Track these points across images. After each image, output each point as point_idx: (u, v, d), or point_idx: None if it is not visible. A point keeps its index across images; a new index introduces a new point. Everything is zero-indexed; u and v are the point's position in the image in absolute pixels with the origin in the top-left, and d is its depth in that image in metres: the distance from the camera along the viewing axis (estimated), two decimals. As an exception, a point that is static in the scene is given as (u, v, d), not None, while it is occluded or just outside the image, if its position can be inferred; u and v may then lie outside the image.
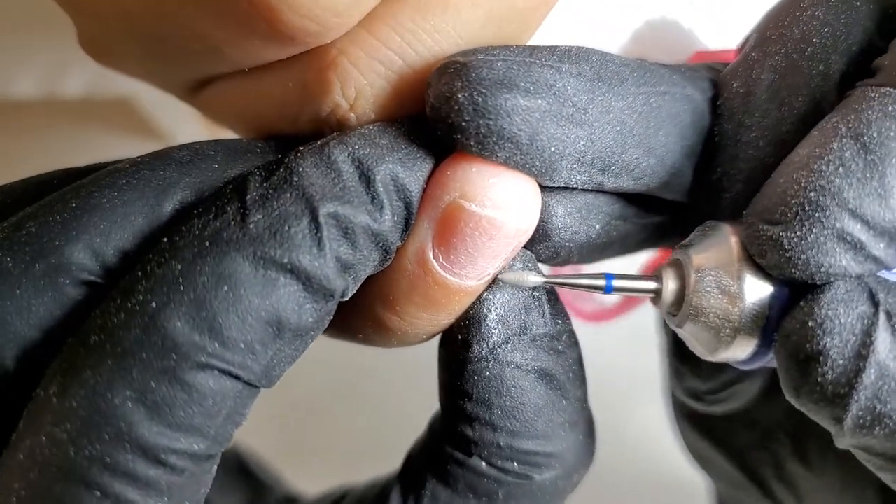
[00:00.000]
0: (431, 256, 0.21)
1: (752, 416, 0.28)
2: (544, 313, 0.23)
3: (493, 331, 0.22)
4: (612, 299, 0.41)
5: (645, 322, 0.36)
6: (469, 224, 0.21)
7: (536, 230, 0.22)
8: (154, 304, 0.18)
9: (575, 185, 0.22)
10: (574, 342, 0.24)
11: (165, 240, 0.19)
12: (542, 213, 0.22)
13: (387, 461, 0.26)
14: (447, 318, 0.23)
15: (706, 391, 0.27)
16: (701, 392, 0.28)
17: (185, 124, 0.47)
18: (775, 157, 0.22)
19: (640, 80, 0.22)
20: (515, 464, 0.22)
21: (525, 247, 0.23)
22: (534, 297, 0.23)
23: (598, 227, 0.23)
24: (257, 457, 0.31)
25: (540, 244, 0.23)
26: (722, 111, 0.24)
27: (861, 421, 0.19)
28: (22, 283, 0.19)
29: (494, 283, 0.22)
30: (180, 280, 0.18)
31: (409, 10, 0.20)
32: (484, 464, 0.22)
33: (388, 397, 0.49)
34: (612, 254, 0.25)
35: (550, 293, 0.23)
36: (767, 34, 0.23)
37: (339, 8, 0.19)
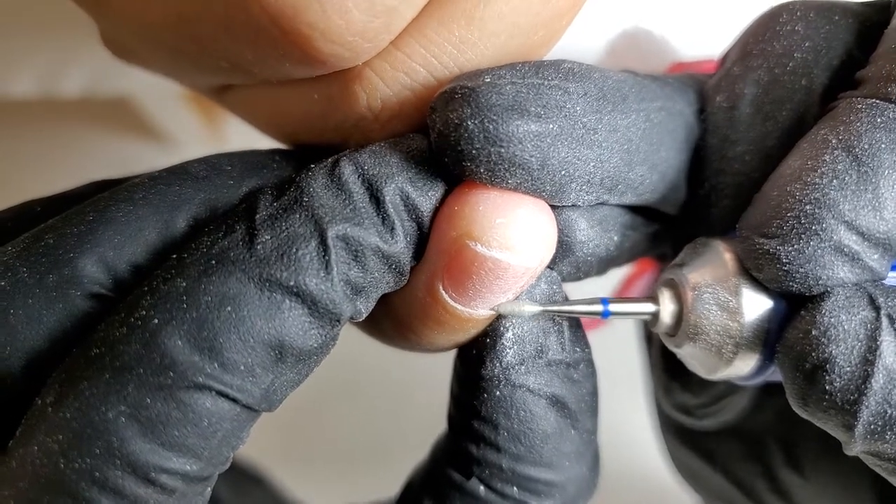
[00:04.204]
0: (441, 288, 0.21)
1: (741, 428, 0.27)
2: (563, 339, 0.22)
3: (507, 350, 0.22)
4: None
5: (625, 326, 0.36)
6: (475, 263, 0.20)
7: (559, 247, 0.22)
8: (156, 321, 0.18)
9: (580, 205, 0.22)
10: (591, 372, 0.23)
11: (174, 256, 0.19)
12: (566, 229, 0.22)
13: (384, 466, 0.26)
14: (463, 337, 0.22)
15: (697, 405, 0.27)
16: (691, 406, 0.27)
17: (185, 124, 0.47)
18: (761, 172, 0.22)
19: (640, 96, 0.22)
20: (515, 489, 0.22)
21: (548, 265, 0.22)
22: (553, 321, 0.22)
23: (616, 238, 0.23)
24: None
25: (563, 261, 0.22)
26: (707, 125, 0.24)
27: (872, 427, 0.19)
28: (35, 293, 0.19)
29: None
30: (184, 298, 0.18)
31: (433, 23, 0.20)
32: (482, 487, 0.22)
33: (386, 401, 0.48)
34: (619, 264, 0.25)
35: (572, 320, 0.23)
36: (748, 49, 0.23)
37: (369, 34, 0.19)
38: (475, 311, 0.21)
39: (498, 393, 0.21)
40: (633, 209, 0.24)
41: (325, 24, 0.18)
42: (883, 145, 0.19)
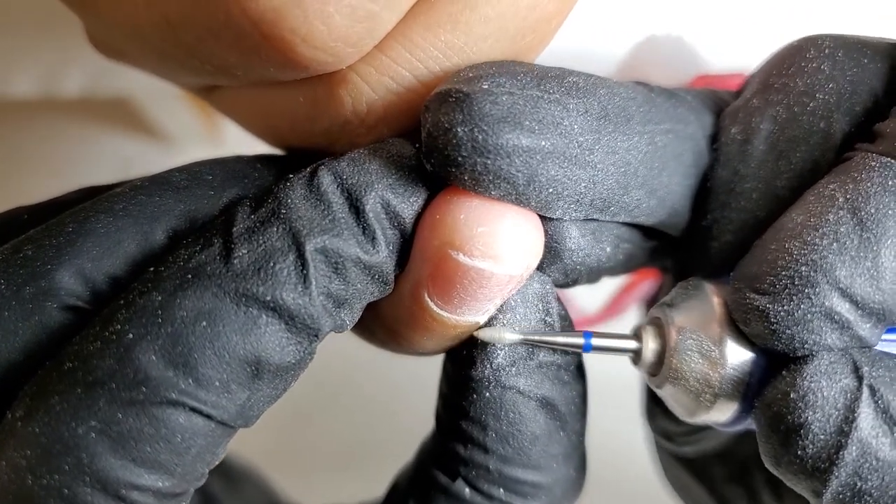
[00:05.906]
0: (426, 296, 0.21)
1: (726, 452, 0.27)
2: None
3: (499, 352, 0.21)
4: (593, 307, 0.41)
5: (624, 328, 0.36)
6: (458, 273, 0.20)
7: (549, 253, 0.22)
8: (131, 335, 0.18)
9: (568, 220, 0.21)
10: (581, 375, 0.23)
11: (151, 269, 0.19)
12: (556, 235, 0.21)
13: (367, 476, 0.25)
14: (452, 342, 0.22)
15: (678, 433, 0.27)
16: (672, 433, 0.27)
17: (185, 124, 0.47)
18: (767, 211, 0.21)
19: (646, 118, 0.21)
20: (502, 490, 0.22)
21: (537, 269, 0.22)
22: (545, 323, 0.22)
23: (608, 249, 0.22)
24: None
25: (551, 267, 0.22)
26: (718, 155, 0.23)
27: (840, 497, 0.19)
28: (11, 304, 0.19)
29: (506, 303, 0.22)
30: (159, 312, 0.18)
31: (418, 28, 0.20)
32: (468, 489, 0.22)
33: (373, 406, 0.48)
34: (614, 274, 0.25)
35: (564, 320, 0.23)
36: (770, 81, 0.23)
37: (352, 39, 0.19)
38: (462, 318, 0.21)
39: (488, 394, 0.21)
40: (630, 224, 0.23)
41: (306, 29, 0.18)
42: (890, 211, 0.19)
